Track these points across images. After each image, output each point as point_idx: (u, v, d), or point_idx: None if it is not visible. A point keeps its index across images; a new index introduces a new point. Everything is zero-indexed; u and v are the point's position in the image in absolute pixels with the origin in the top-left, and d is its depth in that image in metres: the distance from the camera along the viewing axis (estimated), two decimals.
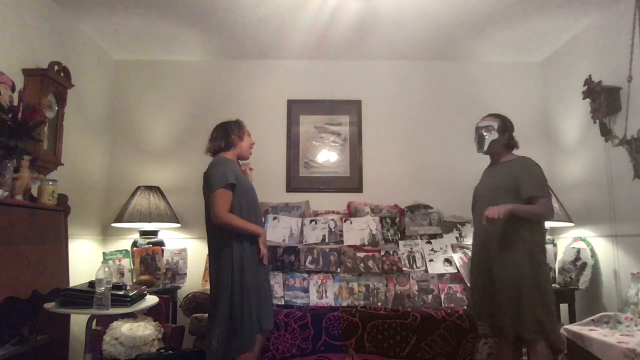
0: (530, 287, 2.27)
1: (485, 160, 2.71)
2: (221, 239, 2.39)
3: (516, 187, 2.39)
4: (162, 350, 2.74)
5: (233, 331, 2.30)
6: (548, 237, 3.32)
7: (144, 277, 3.34)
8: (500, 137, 2.54)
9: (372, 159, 4.03)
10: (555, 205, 3.43)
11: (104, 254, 3.52)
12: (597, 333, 2.45)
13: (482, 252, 2.50)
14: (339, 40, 3.74)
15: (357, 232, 3.58)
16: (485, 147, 2.57)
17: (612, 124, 3.08)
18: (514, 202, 2.35)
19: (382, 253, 3.46)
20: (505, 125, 2.56)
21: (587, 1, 3.12)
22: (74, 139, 3.36)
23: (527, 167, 2.44)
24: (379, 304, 3.22)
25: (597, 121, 3.16)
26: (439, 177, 3.96)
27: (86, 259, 3.51)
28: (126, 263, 3.53)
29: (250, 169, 2.74)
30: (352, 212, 3.75)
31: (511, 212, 2.29)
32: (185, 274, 3.58)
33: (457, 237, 3.59)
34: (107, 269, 2.21)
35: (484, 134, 2.56)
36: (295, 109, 4.08)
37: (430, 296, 3.27)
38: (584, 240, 3.36)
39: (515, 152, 2.61)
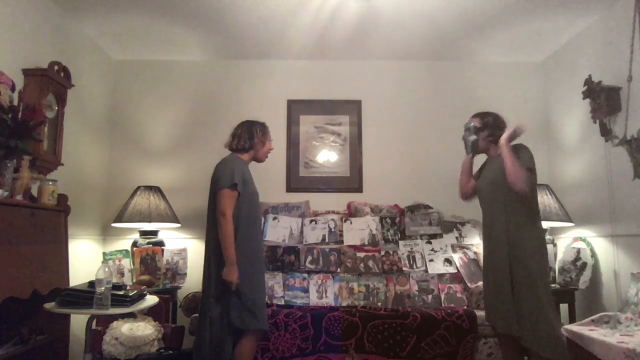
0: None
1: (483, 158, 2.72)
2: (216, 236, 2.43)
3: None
4: (162, 350, 2.74)
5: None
6: (548, 237, 3.31)
7: (144, 277, 3.34)
8: (479, 136, 2.55)
9: (372, 159, 4.03)
10: (555, 205, 3.43)
11: (104, 254, 3.52)
12: (597, 333, 2.45)
13: (496, 249, 2.46)
14: (339, 40, 3.73)
15: (357, 232, 3.58)
16: (467, 150, 2.62)
17: (612, 124, 3.08)
18: (510, 195, 2.36)
19: (382, 253, 3.46)
20: (485, 124, 2.55)
21: (587, 1, 3.12)
22: (74, 139, 3.36)
23: (522, 154, 2.41)
24: (379, 304, 3.22)
25: (597, 121, 3.16)
26: (439, 177, 3.95)
27: (86, 259, 3.50)
28: (126, 263, 3.53)
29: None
30: (352, 212, 3.75)
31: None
32: (185, 274, 3.58)
33: (457, 237, 3.59)
34: (107, 269, 2.21)
35: (465, 136, 2.62)
36: (295, 109, 4.08)
37: (430, 296, 3.27)
38: (584, 240, 3.36)
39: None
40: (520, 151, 2.41)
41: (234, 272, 2.35)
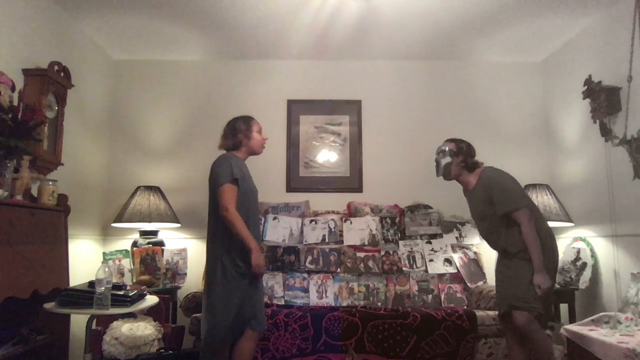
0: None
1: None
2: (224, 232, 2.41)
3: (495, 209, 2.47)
4: (162, 350, 2.74)
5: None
6: None
7: (144, 277, 3.34)
8: (453, 160, 2.59)
9: (372, 159, 4.03)
10: (555, 205, 3.43)
11: (104, 254, 3.52)
12: (597, 333, 2.45)
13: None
14: (339, 40, 3.73)
15: (357, 232, 3.58)
16: (439, 172, 2.67)
17: (612, 124, 3.08)
18: (503, 223, 2.47)
19: (382, 253, 3.46)
20: (460, 149, 2.60)
21: (587, 1, 3.12)
22: (74, 139, 3.36)
23: (492, 182, 2.49)
24: (379, 304, 3.22)
25: (597, 121, 3.15)
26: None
27: (86, 259, 3.50)
28: (126, 263, 3.53)
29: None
30: (352, 212, 3.75)
31: (541, 268, 2.39)
32: (185, 274, 3.58)
33: (457, 237, 3.59)
34: (107, 269, 2.21)
35: (438, 158, 2.66)
36: (295, 109, 4.08)
37: (430, 296, 3.27)
38: (584, 240, 3.36)
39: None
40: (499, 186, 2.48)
41: (261, 257, 2.36)
